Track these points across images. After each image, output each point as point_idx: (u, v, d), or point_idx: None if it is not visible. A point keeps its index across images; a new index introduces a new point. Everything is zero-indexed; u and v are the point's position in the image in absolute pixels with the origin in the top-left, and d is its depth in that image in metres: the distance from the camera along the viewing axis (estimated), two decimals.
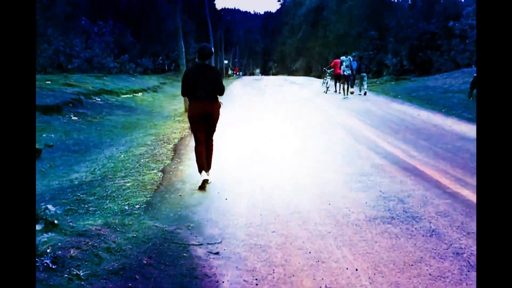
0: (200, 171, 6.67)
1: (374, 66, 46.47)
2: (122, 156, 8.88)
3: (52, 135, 11.48)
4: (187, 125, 9.98)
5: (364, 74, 22.80)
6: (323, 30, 68.54)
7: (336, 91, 23.73)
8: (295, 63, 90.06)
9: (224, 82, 7.78)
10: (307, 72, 74.56)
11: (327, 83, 24.61)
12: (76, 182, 7.03)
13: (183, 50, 17.47)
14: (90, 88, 19.95)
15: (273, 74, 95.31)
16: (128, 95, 21.99)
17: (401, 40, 40.02)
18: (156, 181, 6.80)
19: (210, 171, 6.90)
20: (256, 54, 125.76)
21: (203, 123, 6.74)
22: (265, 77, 59.79)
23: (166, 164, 7.94)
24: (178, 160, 8.29)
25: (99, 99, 18.69)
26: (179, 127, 12.29)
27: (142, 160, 8.33)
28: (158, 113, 16.42)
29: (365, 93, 22.12)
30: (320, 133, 11.24)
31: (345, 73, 21.55)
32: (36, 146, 9.81)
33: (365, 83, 22.56)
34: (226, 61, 79.33)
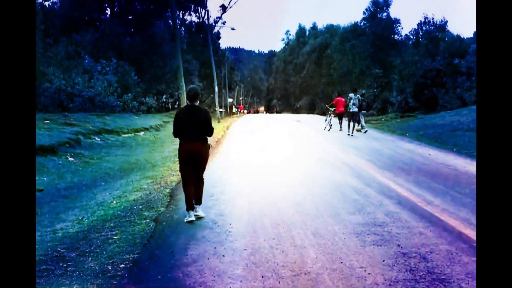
0: (188, 210, 6.82)
1: (378, 103, 46.21)
2: (114, 202, 8.23)
3: (45, 178, 10.90)
4: None
5: (365, 111, 22.53)
6: (327, 68, 68.72)
7: (341, 129, 23.23)
8: (299, 101, 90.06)
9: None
10: (311, 110, 74.39)
11: (329, 121, 23.93)
12: (60, 234, 6.36)
13: (184, 89, 17.10)
14: (90, 127, 19.46)
15: (277, 112, 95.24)
16: (129, 134, 21.49)
17: (406, 77, 39.73)
18: (147, 233, 6.12)
19: (200, 206, 7.05)
20: (261, 92, 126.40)
21: (192, 163, 6.96)
22: (269, 116, 59.22)
23: (160, 212, 7.27)
24: (174, 207, 7.61)
25: (99, 139, 18.18)
26: (178, 169, 11.65)
27: (135, 207, 7.67)
28: (158, 153, 15.82)
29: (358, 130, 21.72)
30: (325, 174, 10.53)
31: (351, 110, 21.03)
32: None
33: (363, 121, 22.09)
34: (230, 99, 79.44)
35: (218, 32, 65.50)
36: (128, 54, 38.60)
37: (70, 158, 13.82)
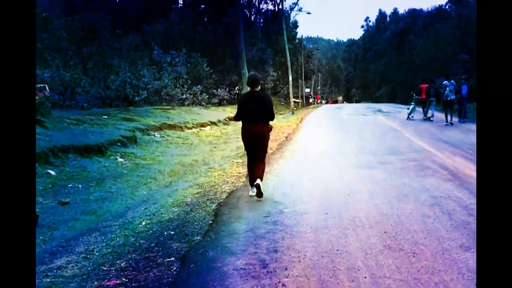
0: (251, 185, 7.56)
1: None
2: (143, 223, 6.40)
3: (79, 186, 9.35)
4: (245, 170, 9.29)
5: (433, 99, 21.92)
6: (408, 55, 65.40)
7: (425, 118, 22.28)
8: (379, 89, 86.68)
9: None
10: (392, 99, 70.78)
11: (411, 109, 23.30)
12: (48, 280, 4.60)
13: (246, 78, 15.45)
14: (151, 122, 18.09)
15: (356, 102, 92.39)
16: (193, 130, 19.97)
17: None
18: (163, 285, 4.21)
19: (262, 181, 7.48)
20: (339, 82, 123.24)
21: (253, 142, 7.52)
22: (347, 105, 56.24)
23: (193, 244, 5.30)
24: (214, 235, 5.58)
25: (158, 135, 16.72)
26: (235, 174, 9.73)
27: (165, 233, 5.79)
28: (220, 152, 14.04)
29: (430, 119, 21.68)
30: (420, 182, 8.16)
31: (448, 98, 19.99)
32: (43, 207, 7.66)
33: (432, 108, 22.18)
34: (307, 89, 77.17)
35: (296, 21, 63.49)
36: (200, 44, 37.34)
37: (119, 159, 12.31)
